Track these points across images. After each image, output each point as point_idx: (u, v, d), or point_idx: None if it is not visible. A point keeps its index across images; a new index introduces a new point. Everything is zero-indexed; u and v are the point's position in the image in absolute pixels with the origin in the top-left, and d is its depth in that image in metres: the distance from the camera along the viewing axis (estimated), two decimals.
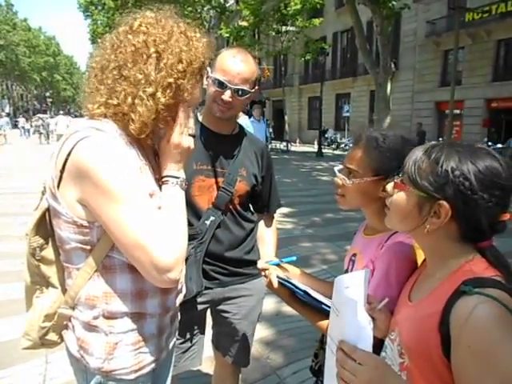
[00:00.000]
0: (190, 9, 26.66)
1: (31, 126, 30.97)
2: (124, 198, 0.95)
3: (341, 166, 1.29)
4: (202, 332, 1.85)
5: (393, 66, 14.75)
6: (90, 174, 0.93)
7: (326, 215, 7.41)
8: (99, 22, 34.40)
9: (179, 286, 1.20)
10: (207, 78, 1.59)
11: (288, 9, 23.03)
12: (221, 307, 1.79)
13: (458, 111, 18.34)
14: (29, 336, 1.12)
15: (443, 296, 0.84)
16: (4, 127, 24.93)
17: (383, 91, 13.65)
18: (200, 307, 1.72)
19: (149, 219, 0.97)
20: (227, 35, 24.51)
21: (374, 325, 0.88)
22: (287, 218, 7.08)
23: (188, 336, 1.75)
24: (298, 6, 22.45)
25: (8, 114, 43.64)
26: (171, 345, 1.25)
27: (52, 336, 1.13)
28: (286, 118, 27.36)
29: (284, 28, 24.51)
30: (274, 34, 25.42)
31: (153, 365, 1.14)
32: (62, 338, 1.15)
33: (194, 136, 1.16)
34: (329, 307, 1.15)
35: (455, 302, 0.80)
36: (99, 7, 33.65)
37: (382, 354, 1.03)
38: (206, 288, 1.68)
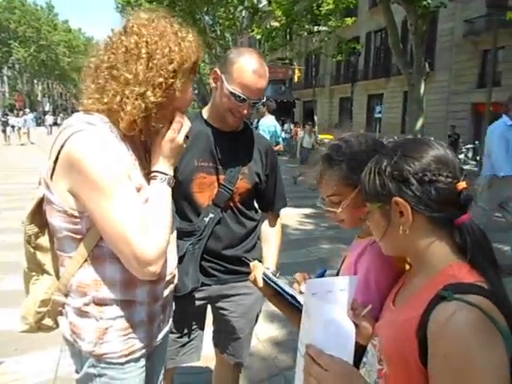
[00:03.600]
0: (222, 9, 26.91)
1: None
2: (110, 190, 0.99)
3: (320, 199, 1.25)
4: (201, 328, 1.85)
5: (427, 66, 14.27)
6: (79, 166, 0.98)
7: None
8: None
9: (169, 277, 1.23)
10: (220, 83, 1.58)
11: (321, 9, 22.78)
12: (219, 304, 1.78)
13: (497, 113, 17.59)
14: (26, 320, 1.17)
15: (423, 301, 0.80)
16: (28, 124, 23.05)
17: (416, 92, 13.27)
18: (197, 303, 1.72)
19: (133, 213, 1.01)
20: (259, 36, 24.54)
21: (357, 331, 0.85)
22: (309, 218, 7.01)
23: (186, 331, 1.76)
24: (331, 6, 22.15)
25: (47, 112, 45.17)
26: (164, 333, 1.28)
27: (48, 321, 1.18)
28: (315, 118, 27.11)
29: (316, 28, 24.27)
30: (305, 34, 25.23)
31: (143, 350, 1.18)
32: (57, 324, 1.20)
33: (187, 136, 1.19)
34: None
35: (434, 307, 0.76)
36: (136, 8, 34.47)
37: (364, 359, 0.99)
38: (204, 284, 1.69)
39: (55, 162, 1.01)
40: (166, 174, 1.13)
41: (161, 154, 1.13)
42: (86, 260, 1.08)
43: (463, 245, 0.84)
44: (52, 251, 1.15)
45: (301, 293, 1.20)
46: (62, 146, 1.00)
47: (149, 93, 1.03)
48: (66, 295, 1.13)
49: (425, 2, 12.76)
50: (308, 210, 7.42)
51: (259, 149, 1.77)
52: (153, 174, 1.13)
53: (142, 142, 1.18)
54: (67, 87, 68.80)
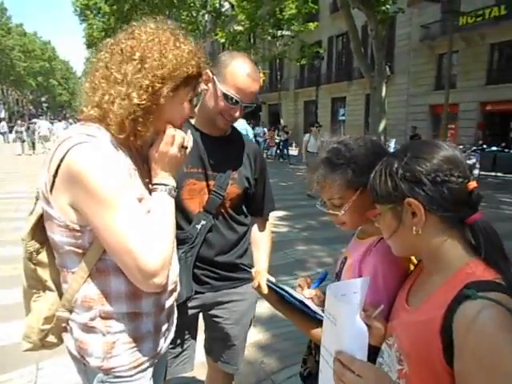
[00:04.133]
0: (185, 13, 26.72)
1: (14, 131, 23.43)
2: (113, 202, 0.97)
3: (320, 202, 1.27)
4: (194, 337, 1.81)
5: (388, 69, 14.79)
6: (81, 179, 0.96)
7: (321, 218, 7.36)
8: (95, 26, 34.36)
9: (172, 286, 1.21)
10: (211, 85, 1.56)
11: (283, 13, 23.10)
12: (212, 312, 1.75)
13: (453, 114, 18.42)
14: (29, 338, 1.15)
15: (444, 300, 0.81)
16: None
17: (378, 95, 13.67)
18: (191, 312, 1.68)
19: (136, 224, 0.99)
20: (223, 40, 24.53)
21: (369, 333, 0.86)
22: (282, 221, 7.06)
23: (179, 341, 1.72)
24: (294, 11, 22.53)
25: (2, 119, 43.19)
26: (168, 340, 1.28)
27: (52, 338, 1.16)
28: (281, 121, 27.40)
29: (279, 32, 24.57)
30: (269, 38, 25.48)
31: (151, 360, 1.18)
32: (61, 340, 1.18)
33: (185, 147, 1.17)
34: (322, 317, 1.12)
35: (458, 306, 0.77)
36: (95, 11, 33.62)
37: (379, 359, 1.00)
38: (197, 292, 1.65)
39: (55, 175, 0.99)
40: (166, 185, 1.13)
41: (157, 167, 1.13)
42: (89, 274, 1.06)
43: (475, 243, 0.87)
44: (51, 266, 1.12)
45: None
46: (61, 159, 0.98)
47: (134, 94, 1.03)
48: (71, 311, 1.10)
49: (384, 8, 13.21)
50: (281, 213, 7.47)
51: (248, 153, 1.76)
52: (153, 187, 1.13)
53: (139, 152, 1.16)
54: (23, 93, 66.06)
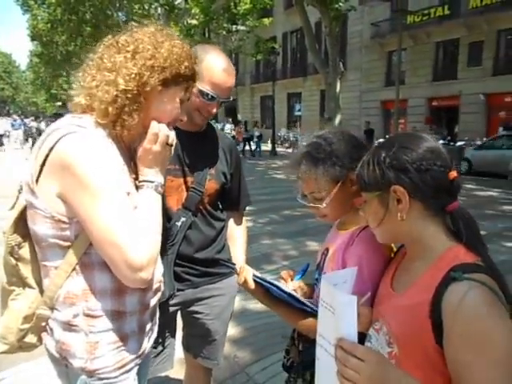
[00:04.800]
0: (137, 6, 25.93)
1: None
2: (102, 194, 0.96)
3: (301, 196, 1.30)
4: (173, 335, 1.80)
5: (341, 66, 15.21)
6: (71, 168, 0.95)
7: (283, 212, 7.50)
8: (39, 17, 32.50)
9: (157, 285, 1.20)
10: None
11: (238, 8, 23.02)
12: (192, 308, 1.75)
13: (402, 109, 19.26)
14: (5, 340, 1.09)
15: (430, 283, 0.86)
16: None
17: (333, 90, 14.03)
18: (171, 309, 1.67)
19: (125, 217, 0.98)
20: (177, 34, 24.00)
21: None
22: (245, 216, 7.06)
23: (160, 340, 1.70)
24: (248, 6, 22.51)
25: None
26: (152, 340, 1.26)
27: (31, 338, 1.11)
28: (238, 116, 27.40)
29: (234, 27, 24.49)
30: (224, 33, 25.33)
31: (136, 361, 1.15)
32: (40, 341, 1.13)
33: (171, 145, 1.17)
34: (312, 308, 1.15)
35: (445, 288, 0.83)
36: (39, 1, 31.80)
37: (367, 344, 1.04)
38: (178, 290, 1.64)
39: (42, 165, 0.97)
40: (152, 182, 1.12)
41: (142, 164, 1.13)
42: (74, 269, 1.03)
43: (456, 229, 0.93)
44: (33, 263, 1.08)
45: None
46: (51, 149, 0.96)
47: (120, 80, 1.03)
48: (52, 309, 1.07)
49: (337, 5, 13.54)
50: None
51: (223, 148, 1.76)
52: (140, 184, 1.12)
53: (127, 148, 1.15)
54: None
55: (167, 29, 1.17)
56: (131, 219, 0.99)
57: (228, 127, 23.92)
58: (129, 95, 1.04)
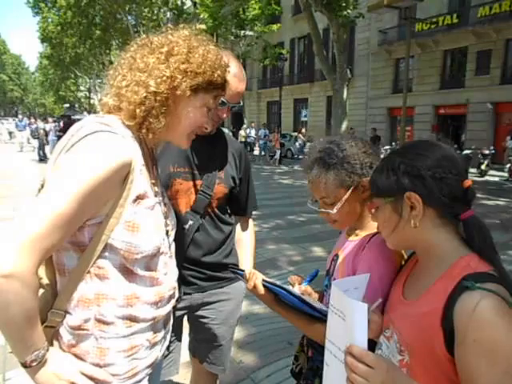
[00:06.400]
0: (146, 10, 26.17)
1: None
2: (66, 187, 0.89)
3: (312, 201, 1.30)
4: (179, 339, 1.79)
5: (348, 72, 15.20)
6: (75, 149, 0.94)
7: (288, 217, 7.49)
8: (50, 19, 32.89)
9: (171, 292, 1.18)
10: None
11: (247, 14, 23.18)
12: (199, 313, 1.74)
13: (409, 117, 19.21)
14: None
15: (442, 292, 0.85)
16: None
17: (340, 97, 14.03)
18: (178, 313, 1.66)
19: (45, 220, 0.87)
20: None
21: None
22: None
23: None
24: (257, 12, 22.66)
25: None
26: (164, 348, 1.23)
27: None
28: (245, 121, 27.46)
29: (242, 32, 24.64)
30: (232, 38, 25.48)
31: (147, 370, 1.12)
32: (51, 343, 1.08)
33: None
34: (321, 313, 1.14)
35: (458, 297, 0.82)
36: (50, 4, 32.19)
37: (378, 351, 1.03)
38: (184, 294, 1.64)
39: None
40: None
41: None
42: (87, 273, 1.00)
43: (469, 237, 0.92)
44: (48, 265, 1.04)
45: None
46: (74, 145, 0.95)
47: (151, 81, 1.02)
48: (65, 312, 1.03)
49: (345, 12, 13.56)
50: None
51: (233, 152, 1.76)
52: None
53: (149, 151, 1.14)
54: None
55: (202, 34, 1.15)
56: (50, 224, 0.87)
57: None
58: (158, 98, 1.02)
